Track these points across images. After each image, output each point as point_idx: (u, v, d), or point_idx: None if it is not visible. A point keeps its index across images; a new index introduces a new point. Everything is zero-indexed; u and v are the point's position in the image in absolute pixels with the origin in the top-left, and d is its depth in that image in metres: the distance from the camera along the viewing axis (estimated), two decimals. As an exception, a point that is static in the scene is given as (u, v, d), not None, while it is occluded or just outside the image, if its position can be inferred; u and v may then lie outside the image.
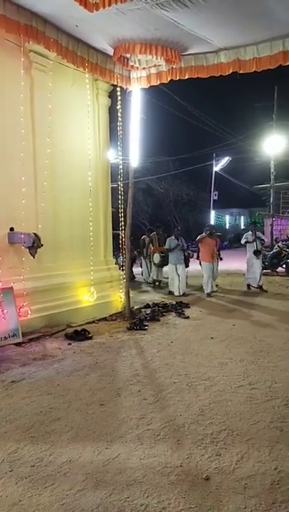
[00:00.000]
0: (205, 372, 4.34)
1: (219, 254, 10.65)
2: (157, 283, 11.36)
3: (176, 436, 3.04)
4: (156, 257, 10.98)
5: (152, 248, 11.56)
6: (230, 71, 6.21)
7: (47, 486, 2.48)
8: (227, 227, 41.14)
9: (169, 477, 2.54)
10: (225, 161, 27.47)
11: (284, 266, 12.82)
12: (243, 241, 10.31)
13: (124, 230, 7.55)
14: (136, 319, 6.78)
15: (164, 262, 10.52)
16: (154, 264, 11.22)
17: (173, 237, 10.00)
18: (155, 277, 11.47)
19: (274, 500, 2.30)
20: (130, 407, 3.55)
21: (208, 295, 9.33)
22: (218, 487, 2.43)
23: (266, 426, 3.15)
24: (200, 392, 3.82)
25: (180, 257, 9.74)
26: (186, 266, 10.04)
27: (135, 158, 7.46)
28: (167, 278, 10.33)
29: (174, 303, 8.20)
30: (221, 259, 10.93)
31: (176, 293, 9.49)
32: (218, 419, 3.28)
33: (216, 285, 10.39)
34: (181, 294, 9.42)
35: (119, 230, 7.93)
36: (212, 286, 9.66)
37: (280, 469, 2.60)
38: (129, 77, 7.08)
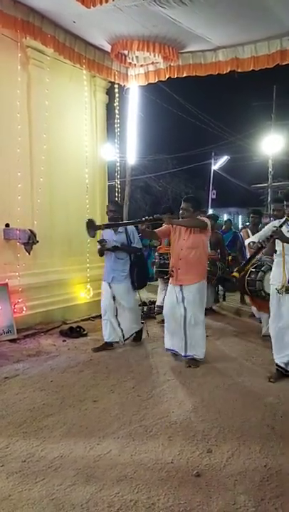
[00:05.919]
0: (199, 369, 4.35)
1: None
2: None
3: (168, 432, 3.04)
4: None
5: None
6: (229, 69, 6.23)
7: (37, 481, 2.48)
8: (225, 225, 41.07)
9: (159, 473, 2.55)
10: (223, 159, 27.44)
11: None
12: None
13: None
14: (131, 317, 6.74)
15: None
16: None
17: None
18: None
19: (263, 497, 2.32)
20: (123, 403, 3.55)
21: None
22: (208, 483, 2.44)
23: (257, 423, 3.17)
24: (193, 389, 3.83)
25: (114, 267, 4.99)
26: (137, 285, 5.03)
27: (132, 156, 7.45)
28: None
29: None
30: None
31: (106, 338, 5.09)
32: (210, 416, 3.29)
33: None
34: (109, 340, 5.06)
35: None
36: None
37: (270, 466, 2.61)
38: (127, 74, 7.07)
